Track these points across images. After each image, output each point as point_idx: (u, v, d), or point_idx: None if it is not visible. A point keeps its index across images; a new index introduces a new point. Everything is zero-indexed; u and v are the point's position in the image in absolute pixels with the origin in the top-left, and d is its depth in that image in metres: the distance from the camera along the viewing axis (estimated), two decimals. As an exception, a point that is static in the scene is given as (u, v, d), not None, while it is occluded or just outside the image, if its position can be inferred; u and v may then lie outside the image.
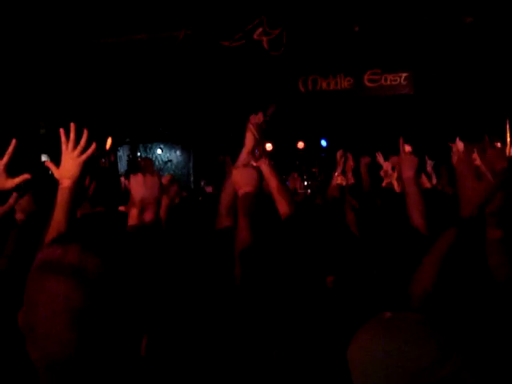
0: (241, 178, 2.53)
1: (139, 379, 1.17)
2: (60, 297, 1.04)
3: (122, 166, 11.27)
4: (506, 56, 7.70)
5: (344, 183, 6.64)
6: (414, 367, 1.17)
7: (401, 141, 3.03)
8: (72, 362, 1.05)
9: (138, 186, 2.03)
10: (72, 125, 2.15)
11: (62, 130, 2.17)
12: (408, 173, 2.86)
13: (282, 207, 2.61)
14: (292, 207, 2.62)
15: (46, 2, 6.04)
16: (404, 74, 8.66)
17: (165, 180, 2.83)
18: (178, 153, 13.67)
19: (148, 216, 2.05)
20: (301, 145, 12.53)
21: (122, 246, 1.18)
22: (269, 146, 12.14)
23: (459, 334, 1.23)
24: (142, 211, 2.08)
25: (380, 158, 5.80)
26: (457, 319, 1.63)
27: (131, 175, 2.10)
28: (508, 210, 2.44)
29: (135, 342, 1.13)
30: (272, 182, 2.67)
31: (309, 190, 11.78)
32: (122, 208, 3.99)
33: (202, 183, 11.87)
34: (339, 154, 6.47)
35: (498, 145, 3.68)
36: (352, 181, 6.32)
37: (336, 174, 6.91)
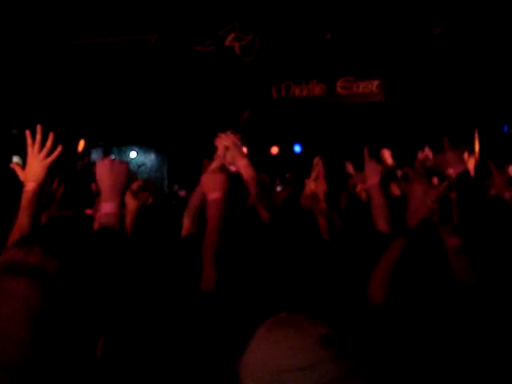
0: (210, 184, 2.54)
1: (94, 381, 1.19)
2: (20, 297, 1.06)
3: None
4: (473, 66, 7.88)
5: (318, 190, 6.70)
6: (285, 367, 1.19)
7: (365, 150, 3.05)
8: (28, 363, 1.06)
9: (105, 172, 1.94)
10: (38, 127, 2.13)
11: (28, 132, 2.15)
12: (372, 180, 2.90)
13: (262, 213, 2.66)
14: (268, 214, 2.67)
15: (17, 3, 6.00)
16: (376, 82, 8.78)
17: (135, 186, 2.82)
18: (153, 156, 13.61)
19: (109, 206, 1.96)
20: (274, 150, 12.58)
21: (82, 249, 1.21)
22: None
23: (350, 341, 1.25)
24: (101, 198, 2.01)
25: (349, 167, 5.87)
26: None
27: (98, 161, 2.03)
28: (466, 217, 2.52)
29: (91, 345, 1.15)
30: (252, 188, 2.72)
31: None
32: (88, 211, 3.97)
33: (176, 187, 11.85)
34: (316, 160, 6.52)
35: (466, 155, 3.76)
36: (325, 187, 6.37)
37: (310, 180, 6.96)
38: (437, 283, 2.23)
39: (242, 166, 2.86)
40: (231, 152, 2.90)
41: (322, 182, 5.96)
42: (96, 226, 2.42)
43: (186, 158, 12.03)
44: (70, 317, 1.11)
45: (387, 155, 5.78)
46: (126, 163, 1.99)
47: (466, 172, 2.98)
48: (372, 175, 2.93)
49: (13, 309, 1.06)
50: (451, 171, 2.99)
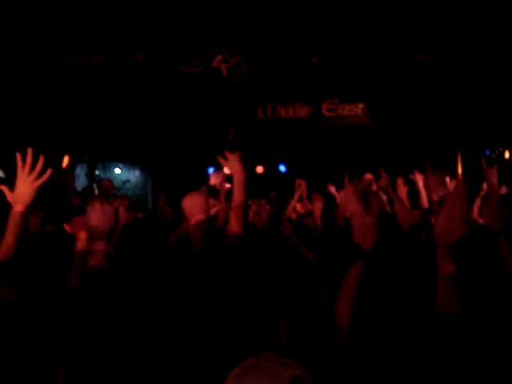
0: (191, 206, 2.53)
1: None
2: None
3: (80, 184, 11.11)
4: (456, 91, 8.00)
5: (303, 211, 6.73)
6: None
7: (346, 176, 3.07)
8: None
9: (95, 214, 2.03)
10: (29, 150, 2.13)
11: (18, 156, 2.15)
12: (354, 208, 2.91)
13: (234, 222, 2.67)
14: (241, 226, 2.68)
15: (4, 19, 5.99)
16: (361, 105, 8.86)
17: (122, 208, 2.84)
18: (137, 173, 13.56)
19: (98, 244, 2.06)
20: (259, 169, 12.62)
21: (46, 281, 1.20)
22: (227, 170, 12.19)
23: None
24: (91, 237, 2.09)
25: (331, 189, 5.92)
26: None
27: (88, 204, 2.10)
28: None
29: (52, 374, 1.13)
30: (238, 196, 2.74)
31: (266, 215, 11.82)
32: (66, 227, 3.95)
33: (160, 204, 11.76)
34: (297, 182, 6.59)
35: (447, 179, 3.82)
36: (308, 207, 6.41)
37: (293, 201, 7.00)
38: (400, 306, 2.22)
39: (238, 168, 2.88)
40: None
41: (306, 203, 5.98)
42: (78, 245, 2.43)
43: (170, 176, 12.01)
44: (29, 345, 1.10)
45: (370, 178, 5.84)
46: (112, 207, 2.08)
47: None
48: (352, 202, 2.90)
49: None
50: (434, 196, 3.05)
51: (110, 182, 8.35)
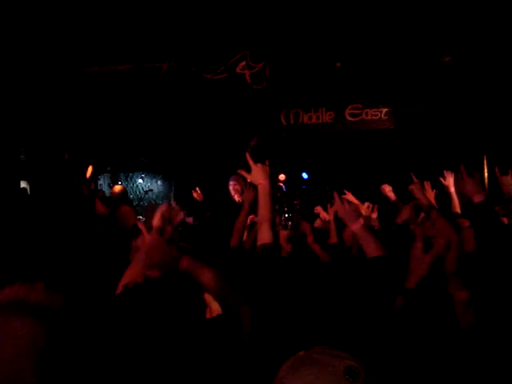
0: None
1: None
2: (25, 338, 1.00)
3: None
4: (482, 94, 7.88)
5: (327, 218, 6.63)
6: None
7: (335, 195, 2.89)
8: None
9: (157, 250, 1.99)
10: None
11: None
12: (354, 226, 2.75)
13: (265, 234, 2.59)
14: (272, 237, 2.61)
15: (28, 29, 6.05)
16: (385, 109, 8.79)
17: (175, 212, 2.78)
18: (159, 183, 13.63)
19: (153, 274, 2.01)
20: (282, 177, 12.56)
21: (86, 283, 1.15)
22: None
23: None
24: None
25: (349, 196, 5.86)
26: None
27: (151, 239, 2.03)
28: (472, 270, 2.46)
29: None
30: (266, 204, 2.65)
31: (290, 222, 11.79)
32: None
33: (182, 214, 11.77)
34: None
35: (476, 176, 3.73)
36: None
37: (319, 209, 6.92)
38: (439, 341, 2.20)
39: (263, 179, 2.78)
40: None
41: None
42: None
43: (192, 185, 12.04)
44: (77, 357, 1.05)
45: (388, 190, 5.73)
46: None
47: (485, 202, 2.93)
48: (351, 221, 2.78)
49: (18, 350, 1.00)
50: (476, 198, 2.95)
51: (122, 187, 8.37)
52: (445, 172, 4.98)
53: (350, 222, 2.77)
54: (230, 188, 7.30)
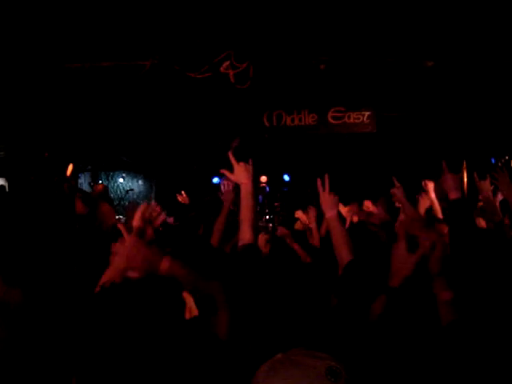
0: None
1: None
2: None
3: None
4: (464, 99, 7.97)
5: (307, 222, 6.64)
6: None
7: (318, 182, 3.04)
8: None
9: (137, 254, 1.96)
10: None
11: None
12: (330, 213, 2.92)
13: (246, 234, 2.59)
14: (253, 237, 2.61)
15: (9, 23, 5.96)
16: (367, 113, 8.83)
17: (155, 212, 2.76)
18: (140, 182, 13.55)
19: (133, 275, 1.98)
20: (263, 179, 12.58)
21: (48, 278, 1.14)
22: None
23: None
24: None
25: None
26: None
27: (130, 242, 2.00)
28: (456, 270, 2.49)
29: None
30: (248, 204, 2.66)
31: (270, 224, 11.80)
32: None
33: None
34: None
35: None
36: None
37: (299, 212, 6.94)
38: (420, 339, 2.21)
39: (246, 178, 2.79)
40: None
41: (312, 211, 5.92)
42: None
43: (174, 185, 11.99)
44: (38, 351, 1.03)
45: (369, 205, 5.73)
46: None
47: (460, 199, 2.94)
48: (328, 208, 2.94)
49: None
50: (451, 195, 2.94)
51: (104, 186, 8.31)
52: (425, 181, 5.02)
53: (326, 209, 2.91)
54: (222, 188, 7.29)
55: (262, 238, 4.70)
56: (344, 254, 2.73)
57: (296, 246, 4.55)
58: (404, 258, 2.14)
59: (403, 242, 2.18)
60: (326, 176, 3.03)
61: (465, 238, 2.72)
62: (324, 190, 3.00)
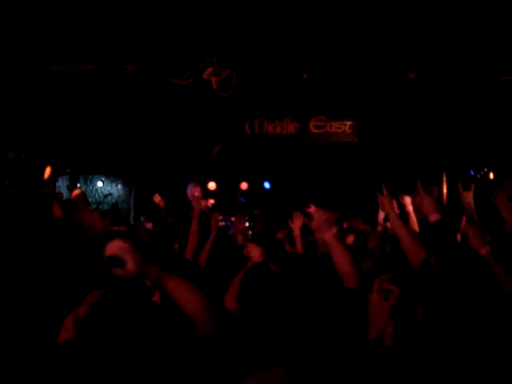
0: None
1: None
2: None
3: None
4: (444, 112, 8.04)
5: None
6: None
7: (311, 207, 2.96)
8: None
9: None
10: None
11: None
12: (327, 235, 2.76)
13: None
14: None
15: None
16: (349, 123, 8.85)
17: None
18: (119, 186, 13.40)
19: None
20: (244, 185, 12.54)
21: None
22: (212, 185, 12.14)
23: None
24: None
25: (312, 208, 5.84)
26: None
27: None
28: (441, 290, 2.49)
29: None
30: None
31: (250, 232, 11.75)
32: None
33: (142, 219, 11.62)
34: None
35: (434, 193, 3.74)
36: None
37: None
38: None
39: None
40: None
41: (298, 219, 5.87)
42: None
43: (153, 190, 11.89)
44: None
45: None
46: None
47: (441, 221, 2.89)
48: (324, 229, 2.80)
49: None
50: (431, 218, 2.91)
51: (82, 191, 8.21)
52: (401, 195, 5.00)
53: (323, 232, 2.76)
54: (189, 194, 7.26)
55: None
56: (349, 273, 2.65)
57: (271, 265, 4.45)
58: (378, 310, 2.11)
59: (375, 294, 2.14)
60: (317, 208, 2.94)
61: (449, 260, 2.69)
62: (317, 212, 2.92)
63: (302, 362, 2.01)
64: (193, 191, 7.02)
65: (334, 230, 2.72)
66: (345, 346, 2.18)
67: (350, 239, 5.07)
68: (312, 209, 4.85)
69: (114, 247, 2.02)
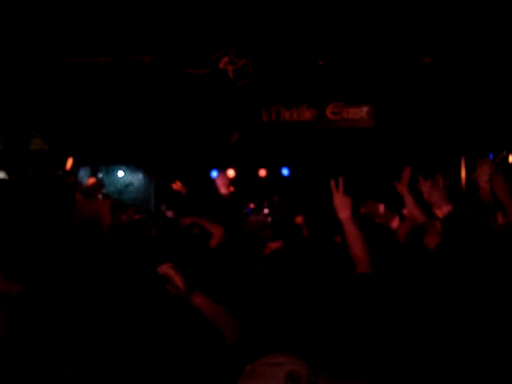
0: None
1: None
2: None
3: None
4: (461, 95, 7.99)
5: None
6: None
7: (332, 183, 2.92)
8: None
9: None
10: None
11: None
12: (344, 214, 2.80)
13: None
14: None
15: (8, 18, 5.98)
16: (365, 108, 8.86)
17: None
18: (140, 176, 13.55)
19: None
20: (262, 173, 12.60)
21: (46, 273, 1.19)
22: (231, 173, 12.23)
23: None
24: None
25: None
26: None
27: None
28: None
29: (60, 372, 1.11)
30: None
31: (269, 218, 11.84)
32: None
33: (163, 207, 11.78)
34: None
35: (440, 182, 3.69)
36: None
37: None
38: None
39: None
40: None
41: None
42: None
43: (174, 179, 12.04)
44: (38, 342, 1.08)
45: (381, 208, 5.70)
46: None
47: (454, 212, 2.87)
48: (342, 208, 2.83)
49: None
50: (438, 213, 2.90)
51: (97, 180, 8.33)
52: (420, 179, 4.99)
53: (340, 210, 2.81)
54: (217, 181, 7.43)
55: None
56: (361, 257, 2.69)
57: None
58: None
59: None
60: (341, 178, 2.93)
61: (463, 252, 2.68)
62: (338, 191, 2.88)
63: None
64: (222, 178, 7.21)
65: (349, 212, 2.78)
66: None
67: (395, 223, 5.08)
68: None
69: (165, 269, 2.14)
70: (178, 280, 2.07)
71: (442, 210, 2.83)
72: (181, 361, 2.11)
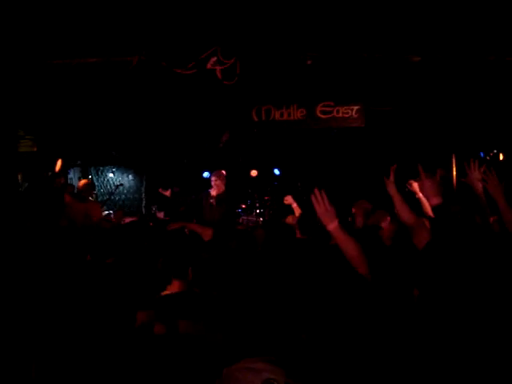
0: None
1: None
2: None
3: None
4: (451, 93, 8.01)
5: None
6: None
7: (316, 192, 2.86)
8: None
9: None
10: None
11: None
12: (331, 225, 2.78)
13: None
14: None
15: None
16: (355, 107, 8.85)
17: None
18: (131, 177, 13.51)
19: None
20: (254, 173, 12.59)
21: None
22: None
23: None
24: None
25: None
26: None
27: None
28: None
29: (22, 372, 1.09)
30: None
31: (261, 218, 11.81)
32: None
33: (154, 208, 11.75)
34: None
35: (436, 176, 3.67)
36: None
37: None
38: None
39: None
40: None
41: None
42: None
43: (164, 180, 11.99)
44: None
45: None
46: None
47: (442, 205, 2.88)
48: (327, 220, 2.80)
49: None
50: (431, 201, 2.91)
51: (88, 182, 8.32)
52: (409, 181, 5.01)
53: (326, 222, 2.78)
54: (212, 182, 7.55)
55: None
56: (356, 255, 2.68)
57: None
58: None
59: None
60: (323, 191, 2.88)
61: (450, 244, 2.69)
62: (319, 204, 2.83)
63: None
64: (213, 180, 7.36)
65: (336, 221, 2.75)
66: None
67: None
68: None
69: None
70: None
71: (432, 201, 2.84)
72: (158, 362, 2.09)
